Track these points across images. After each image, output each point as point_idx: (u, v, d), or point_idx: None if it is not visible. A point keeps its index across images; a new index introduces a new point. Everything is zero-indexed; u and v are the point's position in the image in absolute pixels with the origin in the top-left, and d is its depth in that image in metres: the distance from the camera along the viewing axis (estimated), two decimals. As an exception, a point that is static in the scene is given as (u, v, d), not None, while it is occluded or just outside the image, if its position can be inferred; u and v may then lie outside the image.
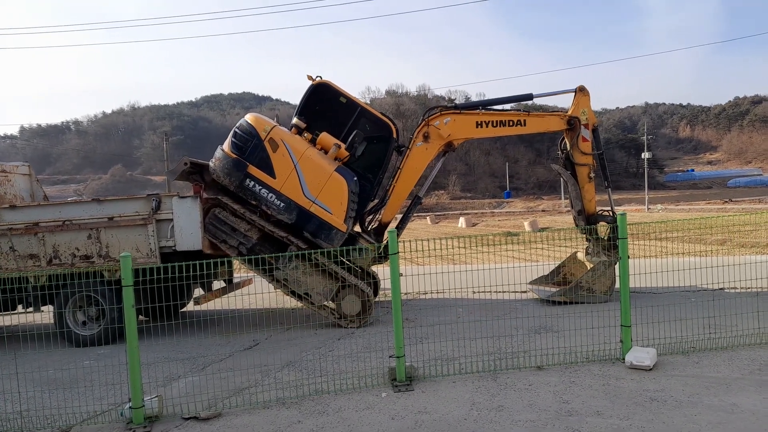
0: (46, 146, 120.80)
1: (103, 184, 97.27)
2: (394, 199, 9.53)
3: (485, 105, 9.93)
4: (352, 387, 5.48)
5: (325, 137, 8.60)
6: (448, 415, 4.66)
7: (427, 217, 55.59)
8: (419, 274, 10.79)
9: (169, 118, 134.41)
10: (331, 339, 7.83)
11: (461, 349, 6.45)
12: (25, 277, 8.43)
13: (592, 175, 9.69)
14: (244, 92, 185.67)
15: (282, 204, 8.14)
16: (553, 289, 9.75)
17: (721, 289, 8.29)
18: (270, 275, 8.40)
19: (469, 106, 9.91)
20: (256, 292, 8.56)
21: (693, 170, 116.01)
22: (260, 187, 8.13)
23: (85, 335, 8.47)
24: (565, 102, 10.03)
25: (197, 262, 5.59)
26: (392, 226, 9.51)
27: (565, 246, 11.27)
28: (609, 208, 9.87)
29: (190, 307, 10.40)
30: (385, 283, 10.22)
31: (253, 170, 8.11)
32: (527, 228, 34.09)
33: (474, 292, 10.16)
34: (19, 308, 8.98)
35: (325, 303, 8.59)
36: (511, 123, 9.58)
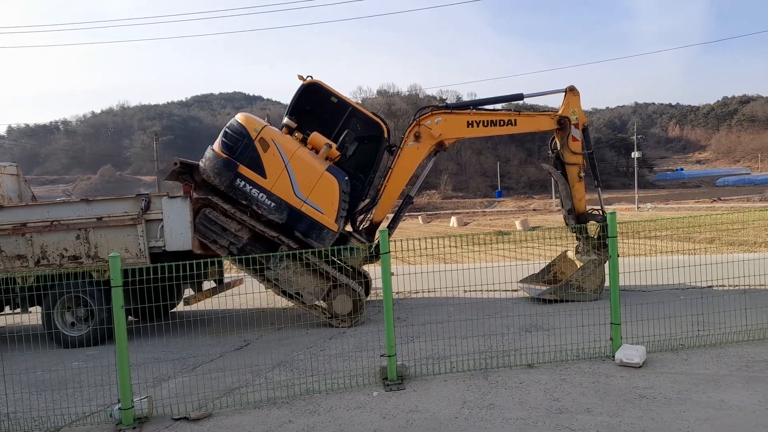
0: (34, 146, 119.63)
1: (92, 184, 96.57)
2: (386, 198, 9.53)
3: (476, 105, 9.96)
4: (343, 386, 5.48)
5: (316, 137, 8.58)
6: (440, 414, 4.67)
7: (419, 217, 55.65)
8: (410, 273, 10.79)
9: (159, 117, 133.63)
10: (322, 338, 7.81)
11: (452, 348, 6.46)
12: (12, 278, 8.34)
13: (582, 174, 9.74)
14: (234, 92, 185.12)
15: (273, 204, 8.11)
16: (544, 288, 9.79)
17: (709, 286, 8.35)
18: (261, 275, 8.37)
19: (460, 106, 9.93)
20: (247, 292, 8.53)
21: (682, 169, 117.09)
22: (251, 187, 8.09)
23: (74, 336, 8.40)
24: (556, 102, 10.06)
25: (187, 262, 5.55)
26: (384, 225, 9.51)
27: (556, 245, 11.32)
28: (599, 207, 9.93)
29: (180, 307, 10.34)
30: (377, 283, 10.22)
31: (243, 170, 8.08)
32: (518, 227, 34.21)
33: (465, 291, 10.18)
34: (7, 309, 8.89)
35: (317, 302, 8.57)
36: (502, 123, 9.61)
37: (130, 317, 8.59)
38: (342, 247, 7.76)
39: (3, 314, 9.02)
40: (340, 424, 4.61)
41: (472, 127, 9.57)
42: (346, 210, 8.71)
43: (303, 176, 8.14)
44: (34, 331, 8.18)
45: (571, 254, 10.31)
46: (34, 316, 8.76)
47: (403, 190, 9.80)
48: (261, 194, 8.10)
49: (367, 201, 9.70)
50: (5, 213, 8.51)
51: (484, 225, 43.88)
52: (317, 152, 8.44)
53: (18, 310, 8.69)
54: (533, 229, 28.29)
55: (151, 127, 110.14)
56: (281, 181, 8.11)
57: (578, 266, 9.64)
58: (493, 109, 9.85)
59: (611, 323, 5.80)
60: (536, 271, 10.69)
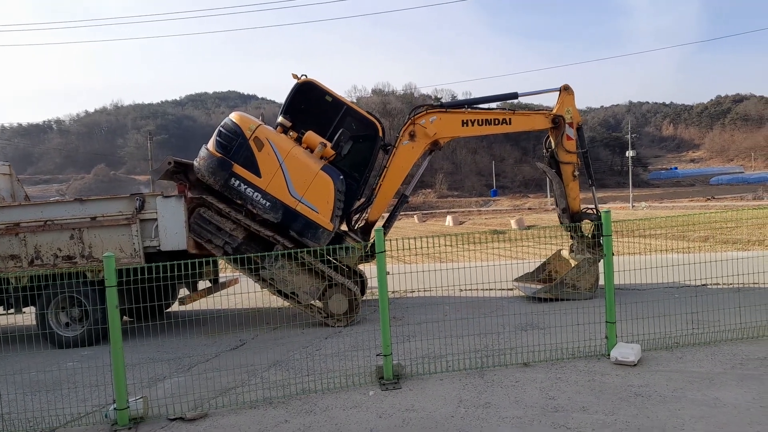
0: (27, 146, 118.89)
1: (86, 183, 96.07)
2: (381, 197, 9.53)
3: (471, 104, 9.97)
4: (339, 386, 5.47)
5: (310, 136, 8.56)
6: (436, 413, 4.67)
7: (415, 216, 55.70)
8: (406, 272, 10.80)
9: (153, 117, 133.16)
10: (318, 338, 7.81)
11: (448, 347, 6.47)
12: (5, 278, 8.29)
13: (577, 173, 9.76)
14: (229, 91, 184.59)
15: (268, 203, 8.09)
16: (538, 286, 9.82)
17: (703, 285, 8.41)
18: (256, 275, 8.35)
19: (455, 105, 9.94)
20: (242, 292, 8.51)
21: (676, 168, 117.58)
22: (246, 186, 8.07)
23: (68, 336, 8.36)
24: (550, 101, 10.10)
25: (182, 261, 5.53)
26: (379, 224, 9.51)
27: (551, 243, 11.35)
28: (593, 206, 9.96)
29: (176, 307, 10.31)
30: (372, 282, 10.22)
31: (238, 169, 8.06)
32: (514, 226, 34.30)
33: (461, 290, 10.19)
34: (0, 310, 8.83)
35: (312, 302, 8.56)
36: (496, 121, 9.63)
37: (125, 317, 8.58)
38: (338, 246, 7.76)
39: None
40: (336, 423, 4.60)
41: (467, 126, 9.58)
42: (342, 209, 8.70)
43: (298, 175, 8.12)
44: (28, 331, 8.14)
45: (565, 253, 10.34)
46: (28, 317, 8.71)
47: (399, 189, 9.80)
48: (256, 193, 8.08)
49: (362, 200, 9.69)
50: None
51: (480, 224, 43.95)
52: (312, 151, 8.43)
53: (12, 310, 8.64)
54: (528, 228, 28.37)
55: (145, 126, 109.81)
56: (276, 181, 8.09)
57: (572, 265, 9.68)
58: (488, 108, 9.86)
59: (606, 321, 5.82)
60: (531, 270, 10.72)
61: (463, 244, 8.94)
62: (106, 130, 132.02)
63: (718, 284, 8.41)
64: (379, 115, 9.80)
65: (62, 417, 5.06)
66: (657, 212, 44.15)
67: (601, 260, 9.15)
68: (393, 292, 10.55)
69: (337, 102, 9.16)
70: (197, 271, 6.19)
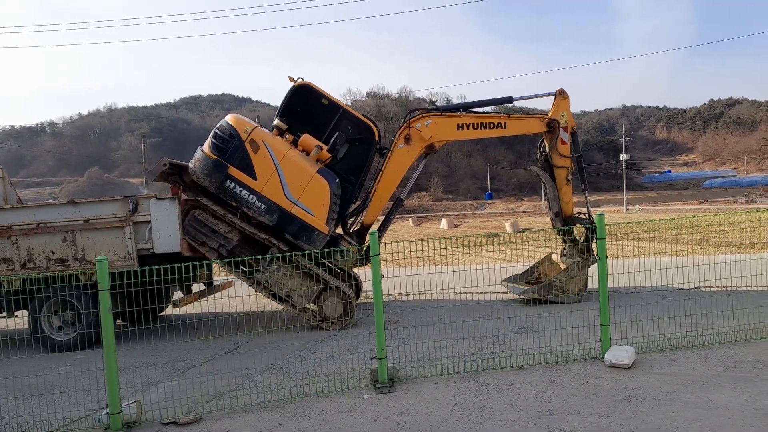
0: (20, 148, 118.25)
1: (79, 186, 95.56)
2: (376, 201, 9.53)
3: (466, 107, 10.00)
4: (334, 389, 5.46)
5: (306, 139, 8.55)
6: (431, 416, 4.66)
7: (410, 219, 55.76)
8: (401, 275, 10.79)
9: (147, 119, 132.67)
10: (312, 341, 7.79)
11: (443, 350, 6.46)
12: None
13: (570, 177, 9.81)
14: (223, 94, 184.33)
15: (263, 206, 8.07)
16: (527, 287, 9.85)
17: (697, 288, 8.44)
18: (251, 278, 8.32)
19: (451, 109, 9.96)
20: (237, 295, 8.48)
21: (670, 171, 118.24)
22: (241, 189, 8.05)
23: (61, 340, 8.29)
24: (545, 105, 10.15)
25: (176, 265, 5.50)
26: (374, 227, 9.51)
27: (546, 247, 11.38)
28: (585, 211, 10.00)
29: (170, 311, 10.26)
30: (367, 285, 10.20)
31: (233, 171, 8.04)
32: (508, 229, 34.38)
33: (456, 293, 10.19)
34: None
35: (307, 305, 8.54)
36: (491, 125, 9.65)
37: (118, 321, 8.53)
38: (332, 249, 7.75)
39: None
40: (330, 427, 4.59)
41: (462, 129, 9.60)
42: (337, 212, 8.69)
43: (293, 178, 8.11)
44: (20, 335, 8.07)
45: (556, 257, 10.37)
46: (20, 320, 8.64)
47: (394, 192, 9.80)
48: (251, 196, 8.06)
49: (357, 203, 9.68)
50: None
51: (475, 227, 44.03)
52: (308, 154, 8.42)
53: (4, 314, 8.57)
54: (523, 231, 28.44)
55: (139, 129, 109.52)
56: (271, 183, 8.08)
57: (562, 268, 9.71)
58: (483, 112, 9.89)
59: (600, 325, 5.83)
60: (521, 272, 10.73)
61: (457, 248, 8.95)
62: (99, 132, 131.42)
63: (711, 287, 8.44)
64: (373, 118, 9.80)
65: (54, 422, 5.02)
66: (651, 215, 44.36)
67: (592, 265, 9.24)
68: (388, 295, 10.54)
69: (333, 105, 9.16)
70: (191, 274, 6.17)
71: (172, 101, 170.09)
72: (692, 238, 17.73)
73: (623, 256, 11.99)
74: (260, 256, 8.17)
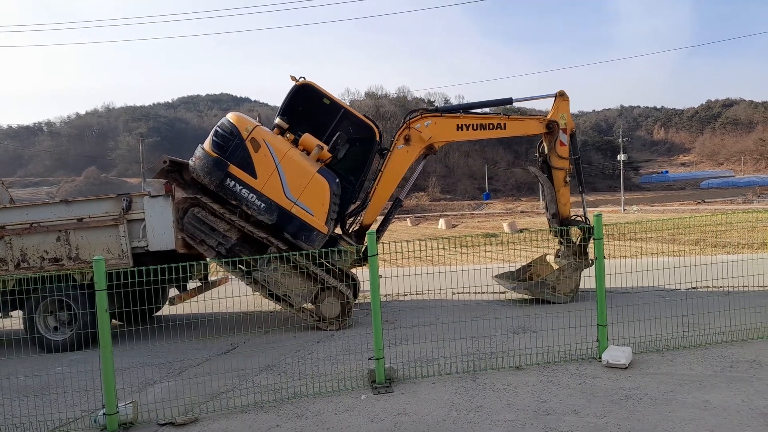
0: (17, 148, 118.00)
1: (77, 186, 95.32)
2: (376, 201, 9.53)
3: (466, 108, 10.00)
4: (331, 390, 5.45)
5: (307, 138, 8.54)
6: (428, 417, 4.66)
7: (408, 219, 55.76)
8: (399, 275, 10.79)
9: (145, 119, 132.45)
10: (310, 342, 7.78)
11: (441, 350, 6.46)
12: None
13: (568, 179, 9.83)
14: (222, 93, 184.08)
15: (263, 204, 8.06)
16: (518, 284, 9.88)
17: (694, 288, 8.45)
18: (248, 277, 8.31)
19: (450, 110, 9.96)
20: (234, 295, 8.47)
21: (667, 172, 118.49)
22: (241, 187, 8.04)
23: (56, 340, 8.25)
24: (544, 106, 10.14)
25: (172, 265, 5.48)
26: (373, 228, 9.50)
27: (544, 247, 11.39)
28: (582, 213, 10.03)
29: (166, 310, 10.24)
30: (365, 285, 10.19)
31: (234, 170, 8.02)
32: (506, 229, 34.39)
33: (453, 294, 10.19)
34: None
35: (305, 305, 8.53)
36: (491, 126, 9.66)
37: (114, 321, 8.50)
38: (331, 249, 7.74)
39: None
40: (328, 427, 4.58)
41: (462, 130, 9.61)
42: (337, 212, 8.69)
43: (294, 177, 8.10)
44: (16, 335, 8.05)
45: (550, 258, 10.39)
46: (16, 321, 8.61)
47: (393, 192, 9.80)
48: (251, 194, 8.04)
49: (357, 204, 9.68)
50: None
51: (472, 227, 44.03)
52: (308, 153, 8.42)
53: None
54: (521, 231, 28.45)
55: (137, 128, 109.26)
56: (272, 182, 8.06)
57: (555, 269, 9.73)
58: (483, 113, 9.90)
59: (598, 325, 5.84)
60: (513, 270, 10.73)
61: (455, 248, 8.96)
62: (97, 132, 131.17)
63: (708, 287, 8.45)
64: (372, 118, 9.79)
65: (51, 422, 5.01)
66: (648, 216, 44.43)
67: (585, 268, 9.27)
68: (385, 295, 10.54)
69: (334, 105, 9.15)
70: (187, 274, 6.16)
71: (170, 101, 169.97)
72: (689, 239, 17.77)
73: (620, 256, 12.00)
74: (258, 256, 8.17)
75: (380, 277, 5.57)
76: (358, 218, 9.62)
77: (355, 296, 9.90)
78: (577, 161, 9.93)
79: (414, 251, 5.97)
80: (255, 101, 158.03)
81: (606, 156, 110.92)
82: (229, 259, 7.93)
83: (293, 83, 9.05)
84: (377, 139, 9.32)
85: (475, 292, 10.16)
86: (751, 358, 5.64)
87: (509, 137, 11.10)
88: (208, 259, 8.93)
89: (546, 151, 9.90)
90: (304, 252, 8.07)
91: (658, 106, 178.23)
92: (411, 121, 9.50)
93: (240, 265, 8.44)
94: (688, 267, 6.63)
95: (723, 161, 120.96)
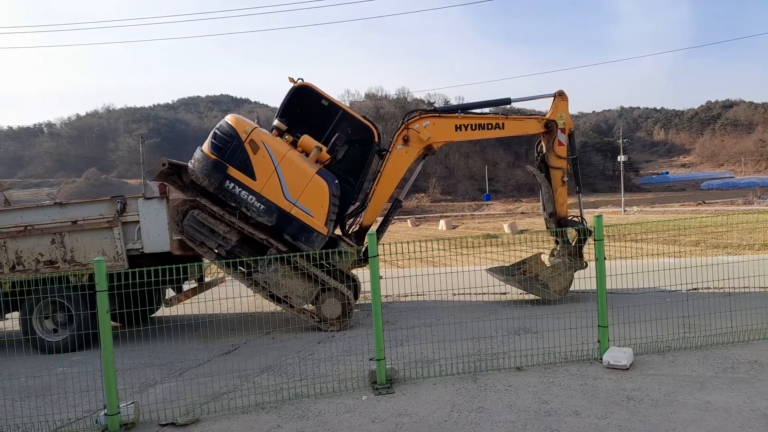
0: (17, 149, 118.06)
1: (77, 187, 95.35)
2: (375, 202, 9.53)
3: (465, 109, 10.00)
4: (332, 390, 5.45)
5: (306, 140, 8.55)
6: (429, 417, 4.66)
7: (408, 220, 55.79)
8: (399, 276, 10.78)
9: (145, 120, 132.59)
10: (310, 342, 7.78)
11: (442, 351, 6.47)
12: None
13: (566, 179, 9.84)
14: (221, 94, 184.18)
15: (262, 206, 8.06)
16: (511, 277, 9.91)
17: (695, 289, 8.45)
18: (249, 278, 8.31)
19: (449, 110, 9.96)
20: (234, 296, 8.47)
21: (667, 173, 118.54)
22: (240, 189, 8.04)
23: (52, 342, 8.24)
24: (543, 106, 10.16)
25: (167, 266, 5.47)
26: (373, 229, 9.50)
27: (544, 248, 11.38)
28: (579, 214, 10.04)
29: (167, 312, 10.24)
30: (366, 286, 10.19)
31: (233, 172, 8.02)
32: (507, 230, 34.39)
33: (454, 294, 10.18)
34: None
35: (305, 306, 8.53)
36: (489, 126, 9.66)
37: (112, 322, 8.49)
38: (331, 250, 7.74)
39: None
40: (329, 428, 4.58)
41: (461, 130, 9.61)
42: (336, 213, 8.69)
43: (293, 179, 8.10)
44: (17, 336, 8.06)
45: (545, 257, 10.39)
46: (15, 322, 8.60)
47: (392, 193, 9.80)
48: (250, 196, 8.04)
49: (356, 205, 9.69)
50: None
51: (473, 228, 44.03)
52: (307, 155, 8.42)
53: None
54: (522, 232, 28.45)
55: (137, 129, 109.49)
56: (271, 184, 8.07)
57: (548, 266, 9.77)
58: (481, 113, 9.90)
59: (599, 326, 5.84)
60: (507, 266, 10.72)
61: (456, 249, 8.95)
62: (97, 133, 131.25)
63: (709, 288, 8.46)
64: (372, 119, 9.79)
65: (52, 423, 5.02)
66: (648, 217, 44.41)
67: (579, 269, 9.30)
68: (386, 296, 10.54)
69: (333, 106, 9.15)
70: (182, 276, 6.15)
71: (170, 102, 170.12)
72: (690, 240, 17.77)
73: (621, 258, 12.00)
74: (259, 257, 8.17)
75: (381, 278, 5.58)
76: (358, 219, 9.62)
77: (356, 297, 9.91)
78: (574, 161, 9.95)
79: (414, 252, 5.98)
80: (255, 102, 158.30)
81: (606, 157, 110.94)
82: (230, 260, 7.93)
83: (291, 85, 9.05)
84: (376, 140, 9.32)
85: (475, 293, 10.16)
86: (753, 359, 5.63)
87: (509, 138, 11.12)
88: (204, 261, 8.93)
89: (544, 151, 9.91)
90: (304, 253, 8.07)
91: (658, 107, 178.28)
92: (409, 121, 9.51)
93: (240, 267, 8.44)
94: (689, 268, 6.63)
95: (723, 162, 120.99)
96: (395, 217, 10.73)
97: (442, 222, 48.06)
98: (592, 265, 5.97)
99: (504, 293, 10.46)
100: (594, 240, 5.84)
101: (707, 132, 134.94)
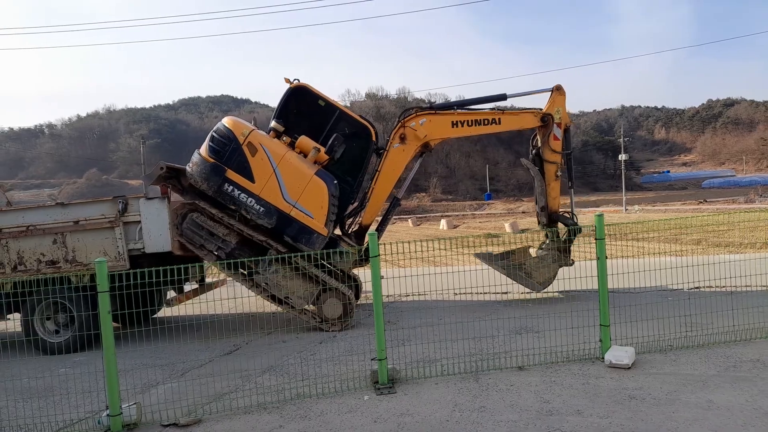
0: (18, 150, 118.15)
1: (78, 188, 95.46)
2: (374, 201, 9.53)
3: (460, 105, 10.00)
4: (334, 391, 5.45)
5: (304, 141, 8.54)
6: (431, 417, 4.66)
7: (409, 220, 55.78)
8: (401, 276, 10.78)
9: (146, 121, 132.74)
10: (312, 343, 7.78)
11: (443, 351, 6.46)
12: None
13: (559, 173, 9.87)
14: (222, 95, 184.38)
15: (262, 208, 8.05)
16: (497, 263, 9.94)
17: (696, 288, 8.43)
18: (249, 280, 8.31)
19: (445, 107, 9.96)
20: (236, 297, 8.47)
21: (668, 171, 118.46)
22: (239, 192, 8.03)
23: (53, 343, 8.24)
24: (540, 103, 10.15)
25: (168, 267, 5.47)
26: (373, 228, 9.50)
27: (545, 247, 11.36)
28: (570, 210, 10.06)
29: (169, 312, 10.25)
30: (367, 286, 10.19)
31: (231, 175, 8.01)
32: (508, 229, 34.37)
33: (455, 294, 10.19)
34: None
35: (306, 307, 8.53)
36: (486, 121, 9.67)
37: (113, 323, 8.50)
38: (332, 250, 7.73)
39: None
40: (331, 428, 4.58)
41: (457, 126, 9.61)
42: (335, 213, 8.69)
43: (292, 180, 8.10)
44: (19, 337, 8.07)
45: (532, 251, 10.39)
46: (18, 323, 8.62)
47: (391, 192, 9.80)
48: (250, 199, 8.04)
49: (355, 204, 9.69)
50: None
51: (474, 227, 44.02)
52: (305, 156, 8.42)
53: None
54: (523, 231, 28.42)
55: (138, 130, 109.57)
56: (270, 186, 8.06)
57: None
58: (478, 109, 9.89)
59: (600, 325, 5.83)
60: (494, 253, 10.71)
61: (457, 248, 8.95)
62: (98, 134, 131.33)
63: (710, 287, 8.44)
64: (372, 119, 9.81)
65: (54, 424, 5.02)
66: (650, 215, 44.38)
67: (564, 266, 9.35)
68: (387, 296, 10.54)
69: (330, 106, 9.15)
70: (183, 276, 6.15)
71: (171, 102, 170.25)
72: (691, 238, 17.74)
73: (623, 256, 11.99)
74: (259, 258, 8.17)
75: (382, 277, 5.57)
76: (357, 218, 9.63)
77: (358, 297, 9.92)
78: (568, 156, 9.98)
79: (416, 252, 5.98)
80: (256, 102, 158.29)
81: (607, 156, 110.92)
82: (230, 261, 7.93)
83: (288, 85, 9.04)
84: (373, 139, 9.32)
85: (477, 293, 10.15)
86: (755, 358, 5.63)
87: (509, 136, 11.22)
88: (205, 262, 8.94)
89: (539, 145, 9.93)
90: (304, 254, 8.07)
91: (659, 106, 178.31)
92: (406, 119, 9.52)
93: (241, 269, 8.44)
94: (691, 267, 6.62)
95: (724, 161, 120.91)
96: (395, 217, 10.75)
97: (443, 221, 48.06)
98: (591, 265, 5.96)
99: (505, 292, 10.46)
100: (596, 239, 5.83)
101: (708, 130, 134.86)
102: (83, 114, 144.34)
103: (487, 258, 10.27)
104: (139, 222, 8.21)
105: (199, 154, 8.18)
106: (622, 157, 63.96)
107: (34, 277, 8.01)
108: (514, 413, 4.63)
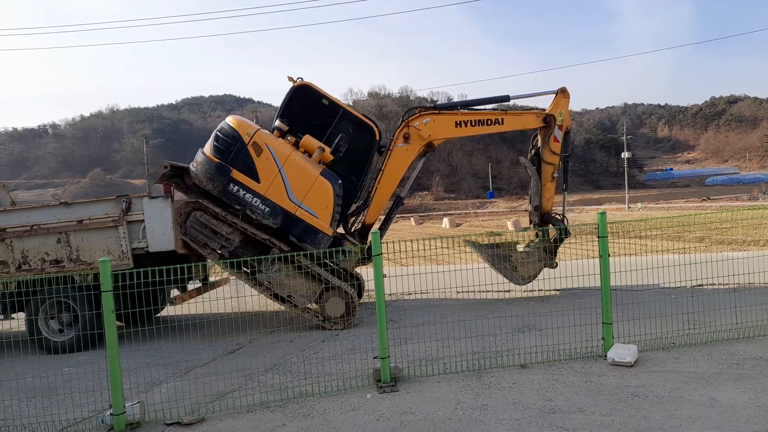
0: (22, 150, 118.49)
1: (82, 188, 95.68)
2: (377, 200, 9.53)
3: (464, 105, 10.01)
4: (336, 389, 5.46)
5: (308, 140, 8.53)
6: (433, 415, 4.67)
7: (411, 218, 55.78)
8: (403, 274, 10.79)
9: (149, 121, 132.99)
10: (315, 341, 7.79)
11: (446, 349, 6.47)
12: None
13: (556, 175, 9.92)
14: (225, 94, 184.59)
15: (267, 208, 8.05)
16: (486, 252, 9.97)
17: (699, 285, 8.43)
18: (252, 278, 8.32)
19: (448, 107, 9.97)
20: (239, 296, 8.48)
21: (671, 169, 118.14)
22: (244, 192, 8.01)
23: (57, 342, 8.27)
24: (544, 103, 10.20)
25: (172, 266, 5.49)
26: (376, 227, 9.50)
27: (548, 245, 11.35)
28: (562, 212, 10.10)
29: (172, 311, 10.28)
30: (369, 285, 10.19)
31: (237, 175, 8.00)
32: (510, 228, 34.32)
33: (458, 292, 10.19)
34: None
35: (309, 305, 8.53)
36: (489, 122, 9.70)
37: (117, 322, 8.52)
38: (335, 249, 7.74)
39: None
40: (334, 426, 4.59)
41: (461, 126, 9.64)
42: (339, 213, 8.69)
43: (297, 180, 8.09)
44: (23, 337, 8.09)
45: (520, 247, 10.41)
46: (22, 322, 8.65)
47: (394, 191, 9.81)
48: (255, 199, 8.03)
49: (359, 203, 9.69)
50: None
51: (476, 226, 44.01)
52: (310, 155, 8.41)
53: (1, 316, 8.55)
54: (525, 229, 28.38)
55: (141, 130, 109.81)
56: (275, 186, 8.06)
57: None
58: (481, 109, 9.92)
59: (603, 323, 5.83)
60: (483, 243, 10.70)
61: (460, 246, 8.95)
62: (101, 134, 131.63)
63: (714, 285, 8.44)
64: (375, 118, 9.81)
65: (58, 423, 5.04)
66: (653, 213, 44.28)
67: (548, 267, 9.39)
68: (390, 294, 10.54)
69: (333, 105, 9.14)
70: (186, 276, 6.17)
71: (174, 102, 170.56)
72: (695, 236, 17.70)
73: (625, 254, 11.97)
74: (262, 257, 8.18)
75: (385, 276, 5.58)
76: (360, 217, 9.63)
77: (360, 295, 9.92)
78: (566, 159, 10.04)
79: (418, 250, 5.98)
80: (259, 102, 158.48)
81: (610, 154, 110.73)
82: (233, 260, 7.93)
83: (291, 84, 9.04)
84: (377, 138, 9.33)
85: (479, 291, 10.15)
86: (758, 355, 5.62)
87: (512, 135, 11.23)
88: (208, 261, 8.95)
89: (539, 145, 9.97)
90: (307, 252, 8.08)
91: (662, 104, 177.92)
92: (410, 119, 9.52)
93: (244, 267, 8.45)
94: (694, 264, 6.61)
95: (728, 158, 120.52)
96: (398, 216, 10.76)
97: (445, 220, 48.06)
98: (594, 263, 5.95)
99: (508, 290, 10.46)
100: (598, 237, 5.82)
101: (711, 128, 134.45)
102: (87, 114, 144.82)
103: (476, 246, 10.31)
104: (143, 221, 8.22)
105: (204, 153, 8.17)
106: (625, 154, 63.85)
107: (38, 277, 8.05)
108: (516, 411, 4.63)
